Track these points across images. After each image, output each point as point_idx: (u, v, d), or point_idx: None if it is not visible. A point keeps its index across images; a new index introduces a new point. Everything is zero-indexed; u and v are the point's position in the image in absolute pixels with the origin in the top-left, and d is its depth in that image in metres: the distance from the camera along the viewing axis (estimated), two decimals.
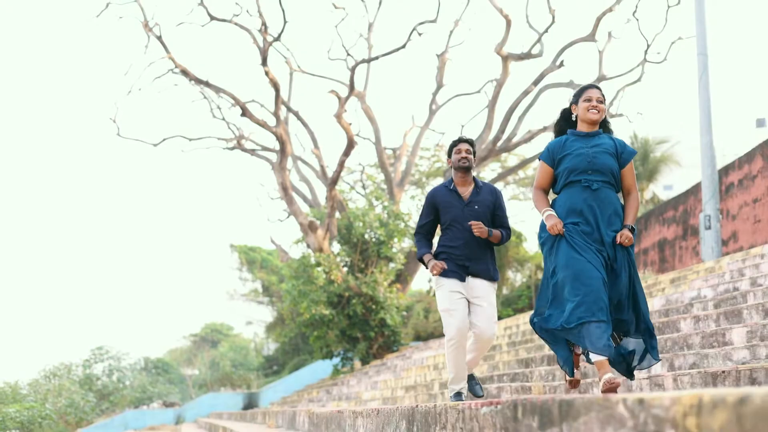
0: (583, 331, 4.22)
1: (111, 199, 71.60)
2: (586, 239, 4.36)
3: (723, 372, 4.37)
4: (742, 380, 4.25)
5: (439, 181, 29.44)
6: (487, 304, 5.36)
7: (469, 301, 5.39)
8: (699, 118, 14.14)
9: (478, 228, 5.32)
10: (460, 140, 5.57)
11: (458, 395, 5.52)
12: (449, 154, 5.58)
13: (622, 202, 4.63)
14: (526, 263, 26.18)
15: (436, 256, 5.51)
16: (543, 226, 4.57)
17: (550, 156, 4.60)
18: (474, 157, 5.58)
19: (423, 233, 5.61)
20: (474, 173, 5.72)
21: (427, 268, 5.49)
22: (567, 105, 4.78)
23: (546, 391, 6.19)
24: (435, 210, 5.55)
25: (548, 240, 4.50)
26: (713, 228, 13.87)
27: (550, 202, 4.66)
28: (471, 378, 5.55)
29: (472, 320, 5.36)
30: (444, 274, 5.41)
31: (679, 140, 23.83)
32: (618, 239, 4.39)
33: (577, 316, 4.22)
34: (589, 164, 4.47)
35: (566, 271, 4.33)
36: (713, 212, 13.91)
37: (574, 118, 4.67)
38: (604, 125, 4.70)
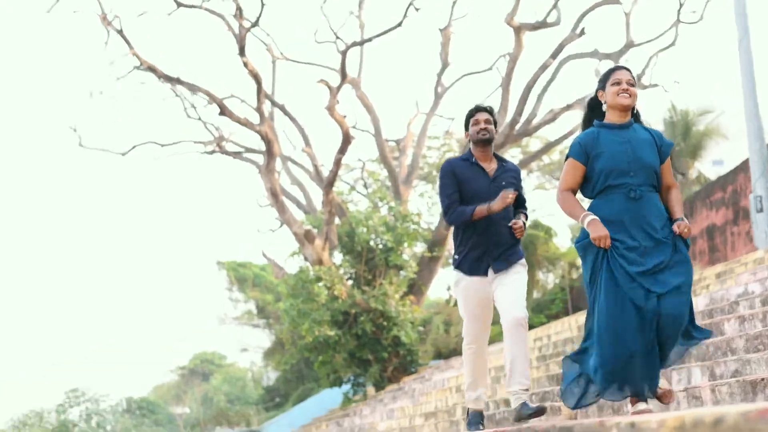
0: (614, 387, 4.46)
1: (80, 219, 72.07)
2: (631, 263, 4.39)
3: (762, 380, 4.60)
4: None
5: None
6: (514, 285, 5.48)
7: (495, 289, 5.54)
8: (742, 85, 14.33)
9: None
10: (477, 109, 5.64)
11: (477, 420, 5.74)
12: (466, 127, 5.68)
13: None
14: (558, 261, 26.31)
15: (456, 248, 5.64)
16: (583, 233, 4.56)
17: (583, 151, 4.58)
18: (495, 127, 5.64)
19: (455, 202, 5.56)
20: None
21: (486, 213, 5.43)
22: (593, 93, 4.80)
23: (576, 414, 6.42)
24: (457, 182, 5.58)
25: (590, 253, 4.50)
26: (766, 210, 14.03)
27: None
28: (524, 405, 5.51)
29: (497, 306, 5.54)
30: (463, 269, 5.61)
31: (723, 110, 23.94)
32: (676, 230, 4.46)
33: (602, 376, 4.42)
34: (630, 164, 4.49)
35: (601, 315, 4.43)
36: (765, 192, 14.05)
37: (604, 109, 4.69)
38: (634, 115, 4.72)
